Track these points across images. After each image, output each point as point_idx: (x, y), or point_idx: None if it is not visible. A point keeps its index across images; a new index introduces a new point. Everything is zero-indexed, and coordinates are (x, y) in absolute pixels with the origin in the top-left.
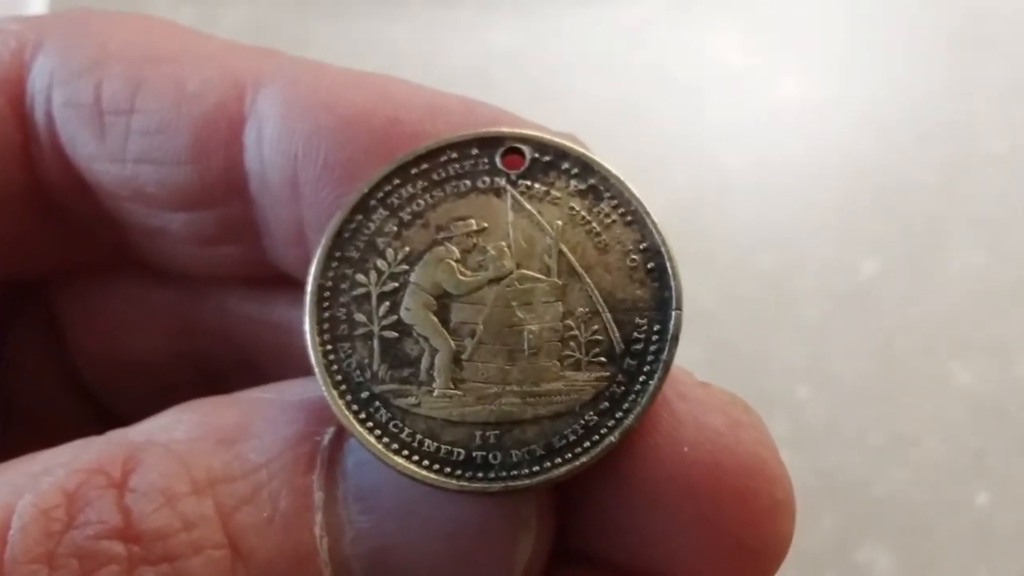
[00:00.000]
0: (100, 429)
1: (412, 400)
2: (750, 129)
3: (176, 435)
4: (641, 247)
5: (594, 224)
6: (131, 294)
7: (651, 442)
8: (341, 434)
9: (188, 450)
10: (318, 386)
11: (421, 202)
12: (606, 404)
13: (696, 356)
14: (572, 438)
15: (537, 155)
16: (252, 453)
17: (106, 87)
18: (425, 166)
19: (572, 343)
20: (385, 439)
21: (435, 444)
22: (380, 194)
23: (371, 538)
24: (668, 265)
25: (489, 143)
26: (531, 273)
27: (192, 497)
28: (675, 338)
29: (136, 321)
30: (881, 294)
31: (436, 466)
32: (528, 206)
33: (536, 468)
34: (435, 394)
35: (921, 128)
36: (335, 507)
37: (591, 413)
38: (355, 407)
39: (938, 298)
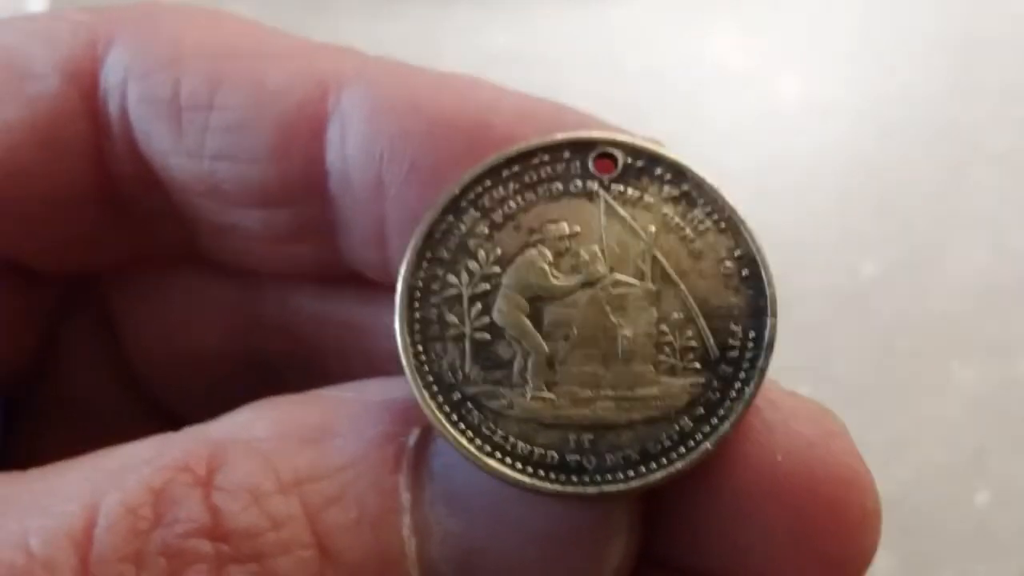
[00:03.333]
0: (155, 425)
1: (504, 402)
2: (750, 129)
3: (258, 433)
4: (735, 254)
5: (687, 230)
6: (189, 289)
7: (742, 450)
8: (427, 435)
9: (272, 449)
10: (402, 386)
11: (513, 204)
12: (701, 410)
13: None
14: (667, 444)
15: (630, 160)
16: (337, 453)
17: (185, 83)
18: (516, 168)
19: (667, 348)
20: (477, 441)
21: (528, 447)
22: (471, 195)
23: (460, 540)
24: (763, 273)
25: (581, 147)
26: (624, 278)
27: (279, 496)
28: (771, 345)
29: (193, 316)
30: (881, 294)
31: (530, 469)
32: (621, 211)
33: (631, 473)
34: (528, 397)
35: (921, 128)
36: (422, 509)
37: (686, 419)
38: (447, 408)
39: (938, 298)
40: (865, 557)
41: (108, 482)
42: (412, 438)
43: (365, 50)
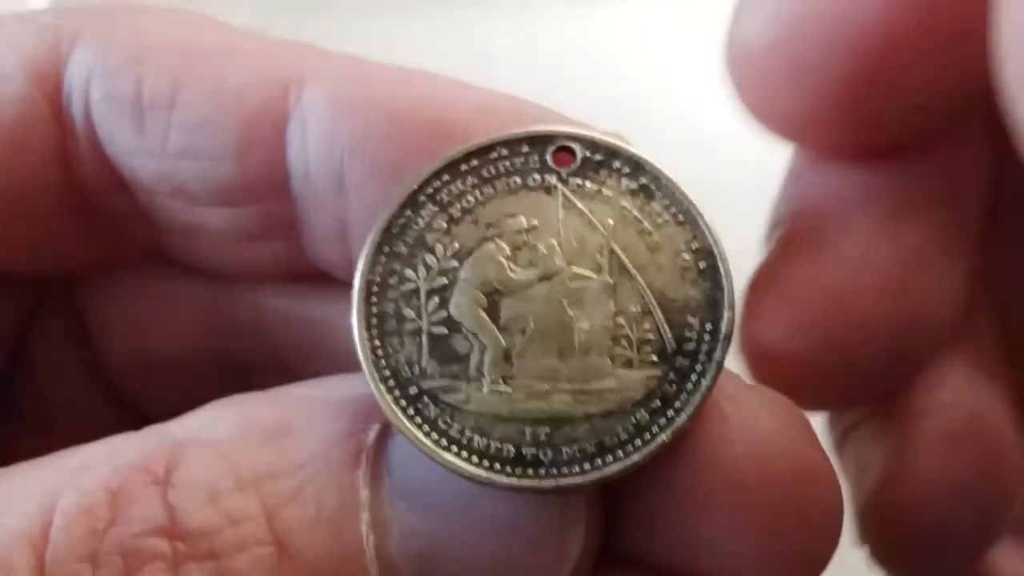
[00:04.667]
0: (126, 426)
1: (461, 396)
2: (751, 129)
3: (218, 432)
4: (693, 247)
5: (645, 224)
6: (160, 290)
7: (701, 444)
8: (386, 431)
9: (231, 447)
10: (361, 382)
11: (471, 199)
12: (658, 403)
13: None
14: (624, 437)
15: (588, 153)
16: (296, 450)
17: (147, 82)
18: (475, 163)
19: (624, 341)
20: (434, 435)
21: (485, 441)
22: (429, 190)
23: (418, 536)
24: (720, 265)
25: (539, 141)
26: (582, 271)
27: (237, 494)
28: (727, 338)
29: (164, 317)
30: None
31: (486, 463)
32: (579, 204)
33: (587, 466)
34: (485, 391)
35: None
36: (381, 505)
37: (642, 411)
38: (403, 403)
39: None
40: (827, 551)
41: (66, 482)
42: (371, 434)
43: (366, 51)
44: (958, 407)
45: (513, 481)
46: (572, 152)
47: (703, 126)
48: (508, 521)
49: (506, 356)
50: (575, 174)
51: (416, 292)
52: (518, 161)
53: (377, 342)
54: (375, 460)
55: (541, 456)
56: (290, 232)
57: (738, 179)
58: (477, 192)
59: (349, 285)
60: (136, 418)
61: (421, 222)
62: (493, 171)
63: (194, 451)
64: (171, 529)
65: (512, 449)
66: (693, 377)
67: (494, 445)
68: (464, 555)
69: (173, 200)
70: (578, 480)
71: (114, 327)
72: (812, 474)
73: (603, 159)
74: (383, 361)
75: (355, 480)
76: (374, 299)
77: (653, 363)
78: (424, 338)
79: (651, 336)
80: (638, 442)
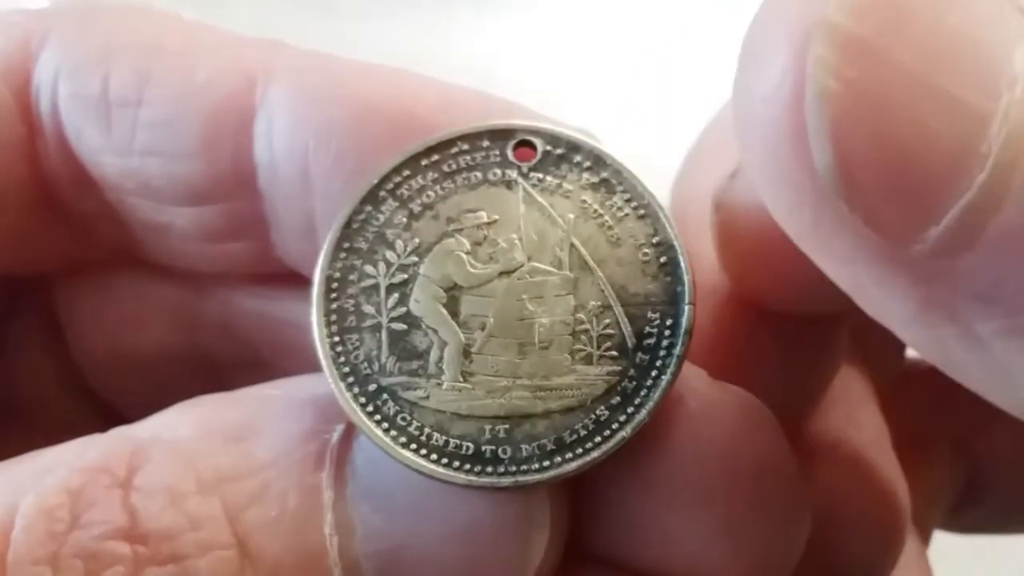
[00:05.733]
0: (101, 426)
1: (421, 393)
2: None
3: (181, 432)
4: (654, 241)
5: (606, 217)
6: (132, 290)
7: (667, 441)
8: (350, 431)
9: (194, 448)
10: (326, 382)
11: (432, 193)
12: (618, 399)
13: None
14: (583, 433)
15: (549, 148)
16: (260, 451)
17: (113, 79)
18: (436, 157)
19: (583, 337)
20: (393, 432)
21: (444, 438)
22: (390, 185)
23: (382, 537)
24: (681, 259)
25: (500, 135)
26: (542, 266)
27: (199, 496)
28: (688, 332)
29: (137, 317)
30: None
31: (444, 460)
32: (540, 199)
33: (546, 463)
34: (444, 387)
35: None
36: (345, 506)
37: (602, 408)
38: (362, 400)
39: None
40: (792, 550)
41: (29, 484)
42: (335, 435)
43: (365, 52)
44: (844, 447)
45: (471, 479)
46: (533, 146)
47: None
48: (471, 522)
49: (465, 352)
50: (536, 168)
51: (376, 288)
52: (479, 155)
53: (336, 338)
54: (339, 461)
55: (500, 453)
56: (258, 230)
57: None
58: (438, 187)
59: None
60: (113, 418)
61: (381, 217)
62: (454, 166)
63: (157, 452)
64: (132, 532)
65: (471, 446)
66: (653, 373)
67: (453, 442)
68: (428, 556)
69: (141, 199)
70: (537, 477)
71: (86, 327)
72: (776, 470)
73: (564, 153)
74: (342, 358)
75: (318, 481)
76: (334, 295)
77: (613, 359)
78: (384, 334)
79: (611, 331)
80: (598, 438)
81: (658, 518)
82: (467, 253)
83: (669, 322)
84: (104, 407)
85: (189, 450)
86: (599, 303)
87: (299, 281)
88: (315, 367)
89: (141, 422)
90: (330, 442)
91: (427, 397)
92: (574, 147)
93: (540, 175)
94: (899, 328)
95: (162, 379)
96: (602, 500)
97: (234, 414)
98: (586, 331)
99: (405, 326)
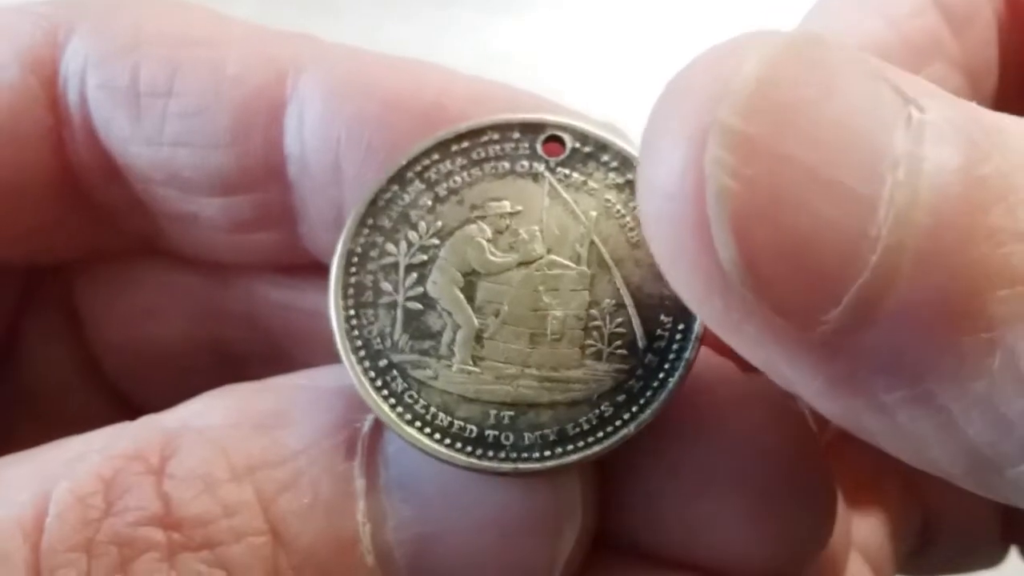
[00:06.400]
0: (119, 417)
1: (430, 373)
2: None
3: (212, 421)
4: None
5: (628, 218)
6: (154, 280)
7: (696, 430)
8: (381, 421)
9: (225, 436)
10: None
11: (458, 179)
12: (623, 396)
13: None
14: (586, 427)
15: (578, 145)
16: (291, 439)
17: (143, 69)
18: (466, 144)
19: (595, 333)
20: (399, 409)
21: (448, 419)
22: (418, 167)
23: (414, 525)
24: None
25: (531, 128)
26: (561, 260)
27: (232, 483)
28: (699, 338)
29: (158, 308)
30: None
31: (447, 440)
32: (564, 194)
33: (548, 453)
34: (453, 369)
35: None
36: (377, 494)
37: (607, 404)
38: (372, 374)
39: None
40: (820, 536)
41: (60, 471)
42: (366, 424)
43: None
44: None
45: (472, 461)
46: (562, 142)
47: None
48: (502, 511)
49: (478, 337)
50: (563, 164)
51: (395, 266)
52: (508, 146)
53: (352, 312)
54: (371, 450)
55: (502, 439)
56: (286, 221)
57: None
58: (465, 173)
59: None
60: (130, 409)
61: (407, 198)
62: (482, 154)
63: (188, 440)
64: (166, 518)
65: (474, 429)
66: (661, 375)
67: (457, 424)
68: (459, 545)
69: (168, 189)
70: (537, 466)
71: (107, 318)
72: (805, 456)
73: (592, 151)
74: (356, 332)
75: (350, 469)
76: (353, 269)
77: (623, 357)
78: (399, 312)
79: (623, 330)
80: (600, 434)
81: (688, 505)
82: (488, 240)
83: (681, 327)
84: (123, 397)
85: (220, 438)
86: (613, 301)
87: (323, 273)
88: (337, 357)
89: (169, 411)
90: (361, 431)
91: (436, 377)
92: (602, 146)
93: (567, 171)
94: (813, 401)
95: (181, 370)
96: (631, 487)
97: (264, 403)
98: (598, 327)
99: (421, 306)
